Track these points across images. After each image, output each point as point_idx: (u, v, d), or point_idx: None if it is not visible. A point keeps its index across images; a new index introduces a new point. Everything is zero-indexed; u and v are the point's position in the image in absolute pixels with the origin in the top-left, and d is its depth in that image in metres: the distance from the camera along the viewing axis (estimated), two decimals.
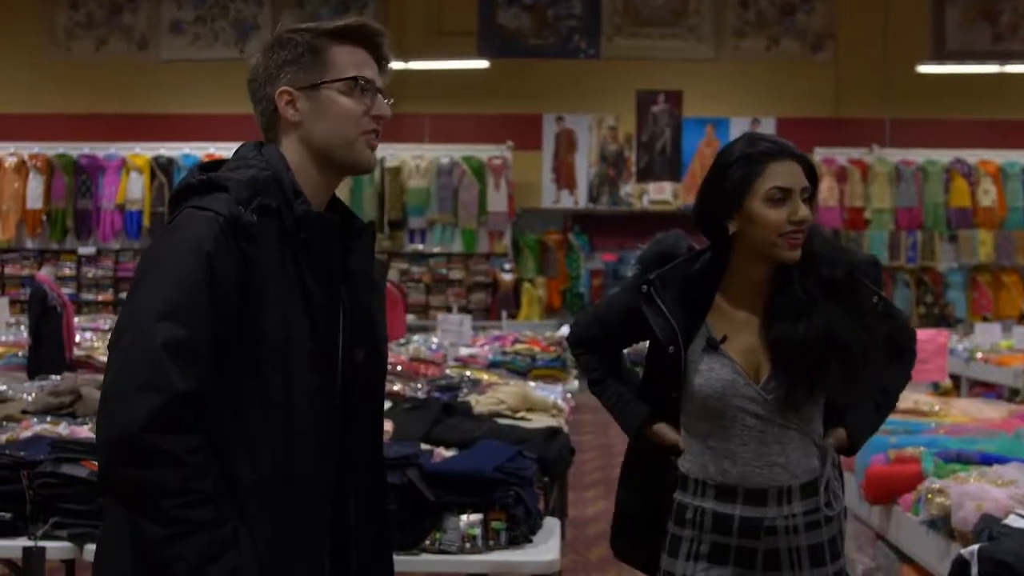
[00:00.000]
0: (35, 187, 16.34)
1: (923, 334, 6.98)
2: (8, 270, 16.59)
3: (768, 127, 16.72)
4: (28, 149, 16.41)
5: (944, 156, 16.30)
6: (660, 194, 16.97)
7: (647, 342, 3.07)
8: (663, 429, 2.99)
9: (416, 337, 9.90)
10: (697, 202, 2.92)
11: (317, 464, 2.35)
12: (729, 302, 2.91)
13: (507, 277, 16.51)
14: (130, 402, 2.19)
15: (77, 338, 11.21)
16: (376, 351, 2.49)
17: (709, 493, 2.89)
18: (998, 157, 16.32)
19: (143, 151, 16.38)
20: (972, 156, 16.33)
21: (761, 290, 2.87)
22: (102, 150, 16.50)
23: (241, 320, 2.26)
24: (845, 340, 2.77)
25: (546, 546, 3.72)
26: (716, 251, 2.92)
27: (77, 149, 16.51)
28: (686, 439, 2.95)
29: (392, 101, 2.50)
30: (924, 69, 16.25)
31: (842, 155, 16.35)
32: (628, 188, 17.18)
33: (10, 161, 16.39)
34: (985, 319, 15.15)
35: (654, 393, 3.03)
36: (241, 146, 2.45)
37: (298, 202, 2.35)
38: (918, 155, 16.34)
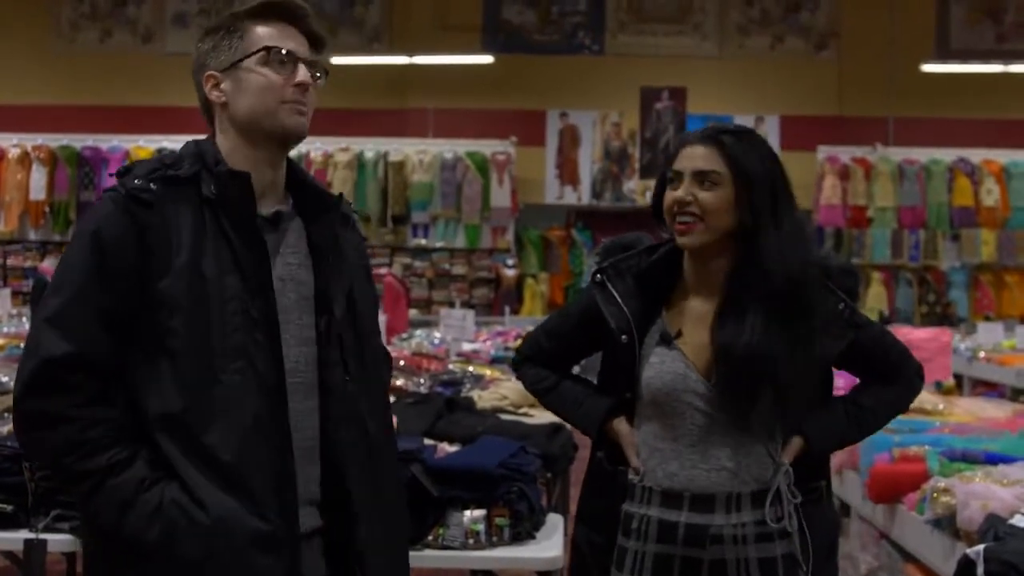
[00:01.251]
0: (38, 179, 16.32)
1: (926, 333, 7.00)
2: (11, 261, 16.55)
3: (772, 125, 16.71)
4: (32, 141, 16.39)
5: (947, 155, 16.26)
6: None
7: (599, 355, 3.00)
8: (623, 426, 2.85)
9: (419, 332, 9.90)
10: (652, 195, 2.89)
11: (255, 418, 2.32)
12: (685, 297, 2.83)
13: (510, 273, 16.49)
14: (19, 373, 2.33)
15: None
16: (333, 320, 2.47)
17: (655, 500, 2.77)
18: (1002, 156, 16.28)
19: (146, 143, 16.34)
20: (976, 155, 16.30)
21: (717, 286, 2.79)
22: (105, 142, 16.48)
23: (142, 287, 2.31)
24: (776, 356, 2.67)
25: (549, 542, 3.72)
26: (674, 245, 2.84)
27: (80, 141, 16.48)
28: (638, 444, 2.83)
29: (324, 75, 2.50)
30: (928, 68, 16.22)
31: (845, 153, 16.31)
32: (631, 185, 17.15)
33: (13, 152, 16.38)
34: (987, 318, 15.11)
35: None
36: None
37: (218, 166, 2.39)
38: (921, 154, 16.30)
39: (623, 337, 2.80)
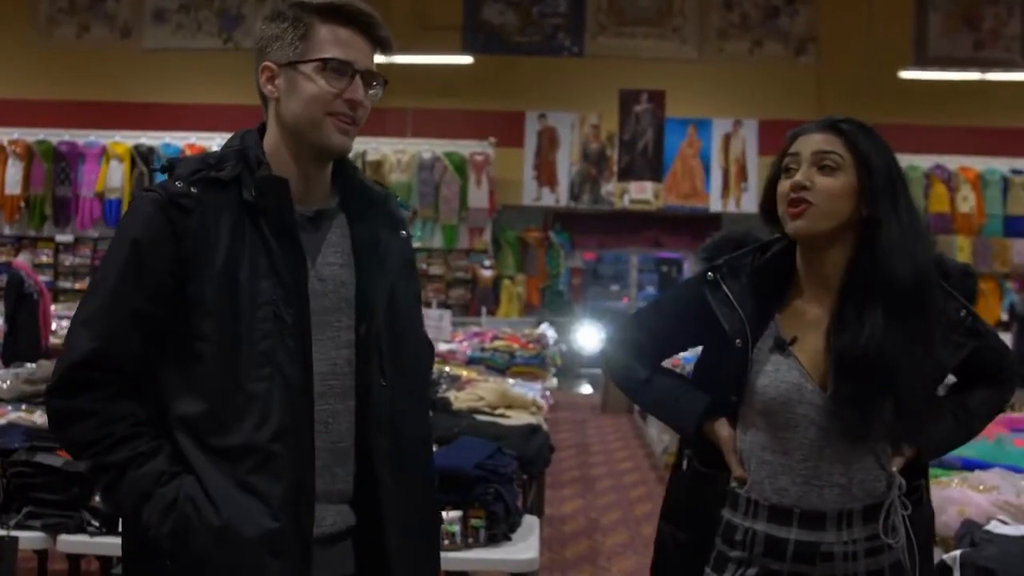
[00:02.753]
0: (14, 173, 16.23)
1: None
2: None
3: (750, 129, 16.78)
4: (7, 135, 16.29)
5: (924, 162, 16.33)
6: (641, 193, 16.97)
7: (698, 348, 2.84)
8: (724, 429, 2.65)
9: None
10: (763, 191, 2.69)
11: (280, 423, 2.30)
12: (799, 298, 2.64)
13: (487, 273, 16.48)
14: (53, 373, 2.36)
15: (53, 326, 11.16)
16: (372, 325, 2.44)
17: (762, 515, 2.60)
18: (978, 164, 16.38)
19: (123, 139, 16.28)
20: (952, 162, 16.39)
21: (833, 285, 2.59)
22: (82, 137, 16.40)
23: (177, 291, 2.30)
24: (897, 359, 2.49)
25: (525, 544, 3.71)
26: (787, 242, 2.65)
27: (57, 136, 16.40)
28: (741, 452, 2.65)
29: (381, 84, 2.46)
30: (906, 75, 16.31)
31: None
32: (609, 187, 17.17)
33: None
34: None
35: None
36: None
37: (260, 170, 2.36)
38: (899, 160, 16.34)
39: (737, 341, 2.60)
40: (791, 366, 2.58)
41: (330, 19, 2.40)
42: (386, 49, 2.48)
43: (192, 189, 2.32)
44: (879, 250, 2.51)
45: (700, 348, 2.87)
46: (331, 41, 2.39)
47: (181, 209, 2.31)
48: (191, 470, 2.29)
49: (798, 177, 2.54)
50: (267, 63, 2.42)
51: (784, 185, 2.57)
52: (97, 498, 3.71)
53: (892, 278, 2.50)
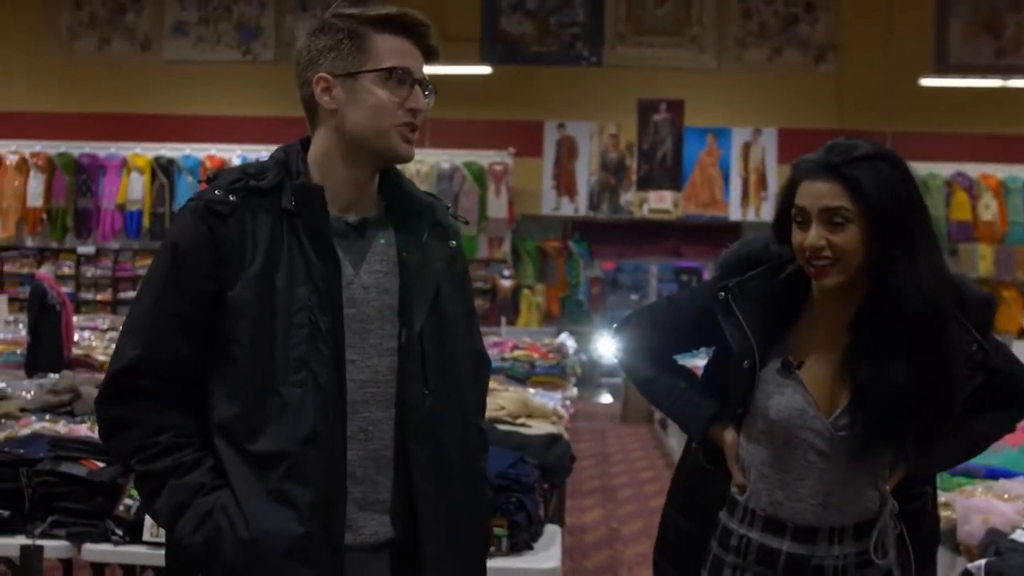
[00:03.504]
0: (36, 185, 16.32)
1: None
2: (8, 268, 16.55)
3: (770, 138, 16.76)
4: (30, 147, 16.38)
5: (946, 169, 16.29)
6: (660, 203, 16.96)
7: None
8: (730, 435, 2.70)
9: None
10: (775, 214, 2.70)
11: (311, 430, 2.32)
12: (811, 324, 2.67)
13: (506, 283, 16.49)
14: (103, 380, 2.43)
15: (75, 337, 11.20)
16: (417, 333, 2.44)
17: (757, 524, 2.66)
18: (1000, 171, 16.32)
19: (144, 151, 16.35)
20: (974, 170, 16.33)
21: (846, 318, 2.62)
22: (103, 150, 16.48)
23: (216, 297, 2.34)
24: (930, 395, 2.52)
25: (547, 553, 3.70)
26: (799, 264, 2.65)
27: (78, 148, 16.48)
28: (743, 460, 2.70)
29: (432, 91, 2.50)
30: (927, 82, 16.24)
31: None
32: (628, 196, 17.16)
33: (11, 159, 16.37)
34: None
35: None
36: None
37: (297, 178, 2.40)
38: (920, 168, 15.89)
39: (745, 363, 2.64)
40: (796, 390, 2.61)
41: (386, 29, 2.43)
42: (435, 58, 2.52)
43: (230, 197, 2.36)
44: (892, 291, 2.52)
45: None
46: (389, 51, 2.42)
47: (217, 215, 2.34)
48: (226, 477, 2.32)
49: (812, 240, 2.53)
50: (323, 74, 2.41)
51: (798, 241, 2.56)
52: (121, 507, 3.72)
53: (904, 312, 2.51)
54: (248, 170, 2.42)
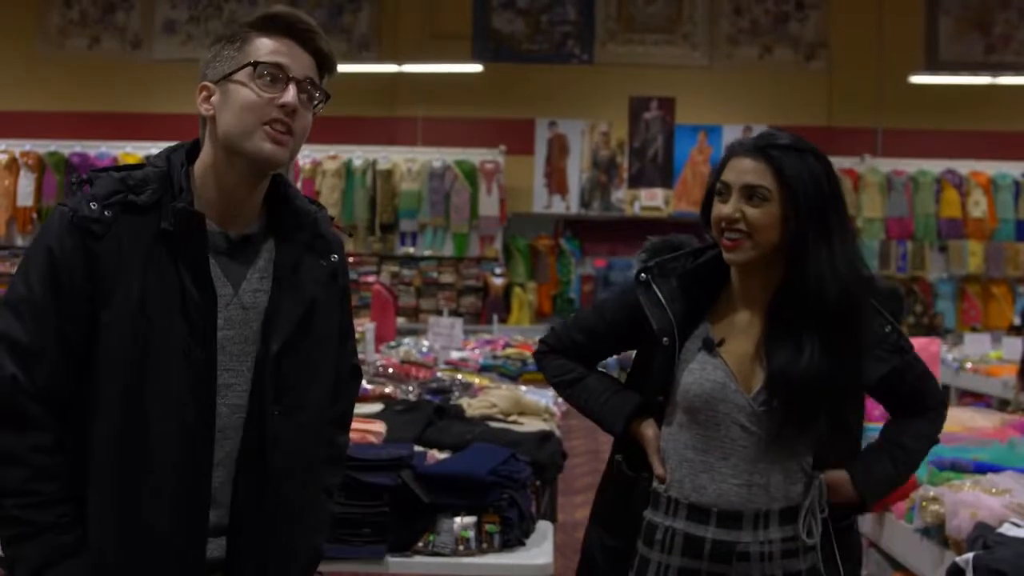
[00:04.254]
0: (26, 184, 16.29)
1: (915, 342, 6.98)
2: None
3: None
4: (19, 147, 16.34)
5: (935, 167, 16.31)
6: (652, 200, 16.97)
7: (631, 352, 2.95)
8: (649, 429, 2.78)
9: (407, 340, 9.89)
10: (703, 197, 2.80)
11: (182, 467, 2.26)
12: (730, 304, 2.76)
13: (498, 281, 16.48)
14: None
15: None
16: (274, 351, 2.37)
17: (681, 513, 2.72)
18: (989, 168, 16.34)
19: (134, 150, 16.28)
20: (963, 167, 16.35)
21: (764, 298, 2.72)
22: (93, 148, 16.44)
23: (90, 316, 2.24)
24: (832, 381, 2.61)
25: (539, 549, 3.71)
26: (719, 249, 2.76)
27: (68, 147, 16.44)
28: (664, 451, 2.77)
29: (323, 98, 2.38)
30: (917, 79, 16.28)
31: (834, 164, 16.28)
32: (620, 194, 17.17)
33: (1, 158, 16.34)
34: (974, 329, 15.16)
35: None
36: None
37: (180, 197, 2.29)
38: (909, 165, 16.35)
39: (664, 339, 2.72)
40: (717, 366, 2.70)
41: (267, 30, 2.34)
42: (328, 65, 2.40)
43: (105, 213, 2.24)
44: (808, 273, 2.61)
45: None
46: (264, 49, 2.32)
47: (90, 233, 2.24)
48: (88, 509, 2.24)
49: (728, 210, 2.64)
50: (204, 83, 2.35)
51: (716, 213, 2.68)
52: None
53: (821, 301, 2.60)
54: (128, 181, 2.29)
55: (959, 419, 6.14)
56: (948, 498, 3.96)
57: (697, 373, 2.71)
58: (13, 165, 16.32)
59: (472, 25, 17.26)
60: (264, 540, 2.39)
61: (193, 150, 2.42)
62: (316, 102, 2.39)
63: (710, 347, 2.71)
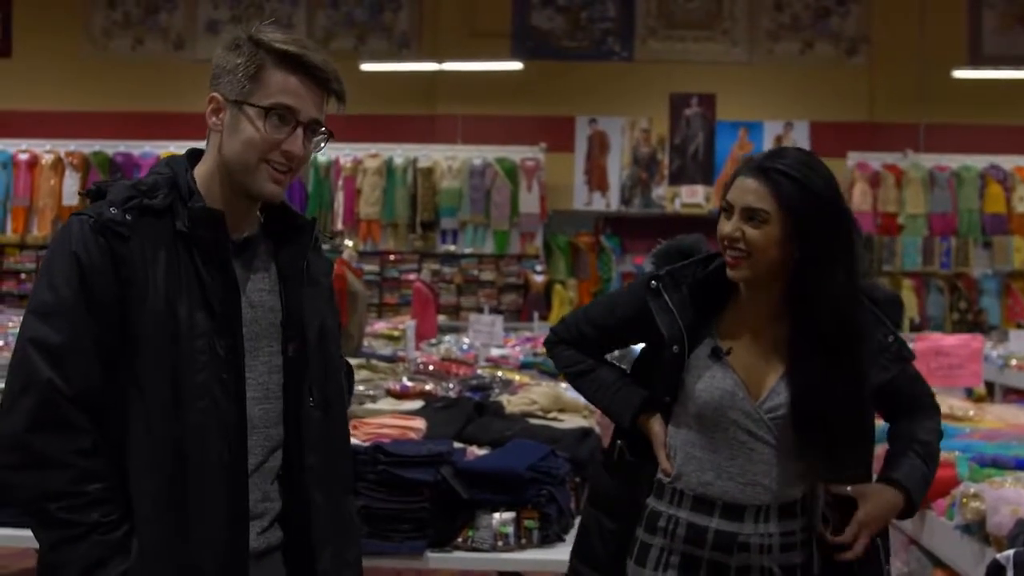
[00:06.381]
0: (71, 184, 16.46)
1: (956, 339, 6.96)
2: None
3: (802, 131, 16.67)
4: (64, 147, 16.53)
5: (979, 162, 16.18)
6: (692, 197, 16.91)
7: (638, 346, 3.01)
8: (656, 424, 2.85)
9: (447, 337, 9.93)
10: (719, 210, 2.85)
11: (220, 458, 2.32)
12: (738, 312, 2.82)
13: (538, 279, 16.49)
14: (13, 404, 2.25)
15: None
16: (305, 347, 2.46)
17: (686, 503, 2.79)
18: None
19: (177, 149, 15.92)
20: (1007, 162, 16.21)
21: (773, 307, 2.78)
22: (137, 148, 16.60)
23: (121, 319, 2.28)
24: (844, 398, 2.69)
25: None
26: None
27: (113, 147, 16.62)
28: (670, 447, 2.84)
29: (326, 136, 2.42)
30: (960, 74, 16.13)
31: (876, 160, 16.25)
32: (660, 191, 17.14)
33: (47, 158, 16.52)
34: (1019, 326, 15.01)
35: None
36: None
37: (192, 200, 2.35)
38: (953, 160, 16.23)
39: (674, 347, 2.79)
40: (727, 375, 2.77)
41: (283, 65, 2.37)
42: (340, 100, 2.44)
43: (127, 216, 2.30)
44: (808, 291, 2.69)
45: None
46: (280, 88, 2.36)
47: (117, 236, 2.29)
48: (133, 511, 2.28)
49: (728, 229, 2.71)
50: (214, 94, 2.41)
51: (720, 230, 2.74)
52: None
53: (822, 322, 2.68)
54: (140, 187, 2.36)
55: (1002, 416, 6.11)
56: (989, 495, 3.94)
57: (707, 381, 2.78)
58: (58, 165, 16.49)
59: (512, 23, 17.27)
60: (330, 529, 2.49)
61: (192, 156, 2.49)
62: (322, 137, 2.44)
63: (719, 355, 2.78)
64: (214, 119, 2.41)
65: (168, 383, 2.29)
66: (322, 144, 2.45)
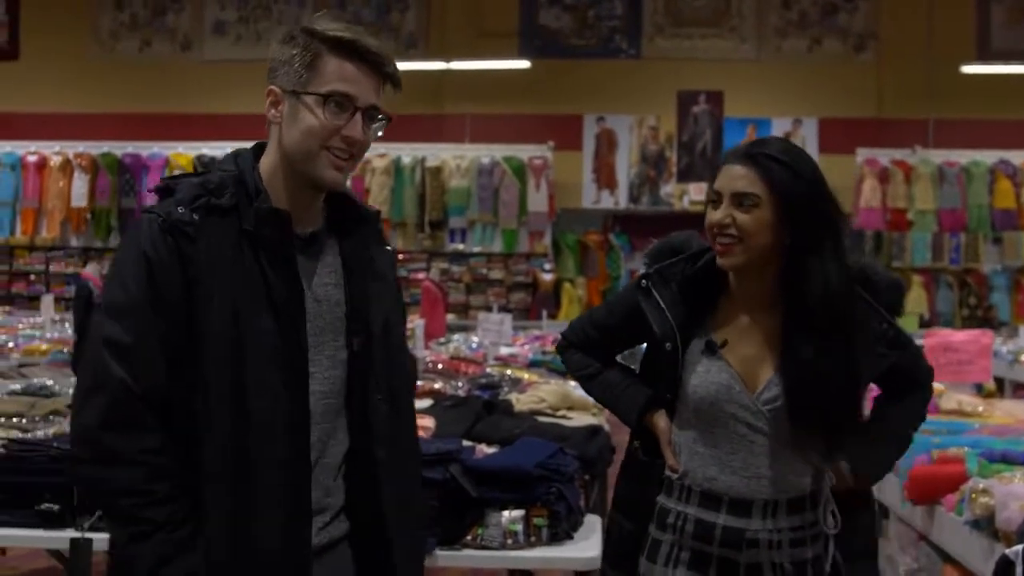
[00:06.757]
0: (80, 186, 16.52)
1: (966, 335, 6.95)
2: (53, 268, 16.77)
3: (810, 127, 16.66)
4: (73, 148, 16.58)
5: (988, 157, 16.16)
6: (701, 195, 16.89)
7: (644, 345, 3.02)
8: (661, 421, 2.85)
9: (456, 336, 9.94)
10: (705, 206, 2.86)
11: (284, 455, 2.34)
12: (731, 305, 2.82)
13: (547, 277, 16.51)
14: (86, 400, 2.31)
15: None
16: (370, 341, 2.48)
17: (693, 499, 2.78)
18: None
19: (186, 150, 16.50)
20: (1017, 157, 16.19)
21: (765, 297, 2.77)
22: (145, 149, 16.65)
23: (188, 317, 2.31)
24: (841, 381, 2.69)
25: (587, 543, 3.72)
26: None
27: (121, 148, 16.67)
28: (676, 444, 2.84)
29: (384, 120, 2.45)
30: (968, 69, 16.11)
31: (885, 156, 16.24)
32: (669, 188, 17.15)
33: (55, 160, 16.58)
34: None
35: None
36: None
37: (259, 199, 2.37)
38: (961, 156, 16.21)
39: (667, 345, 2.79)
40: (721, 368, 2.76)
41: (338, 52, 2.38)
42: (396, 85, 2.47)
43: (194, 216, 2.32)
44: (800, 276, 2.69)
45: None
46: (337, 75, 2.38)
47: (184, 235, 2.31)
48: (200, 507, 2.32)
49: (719, 216, 2.70)
50: (272, 87, 2.42)
51: (708, 219, 2.74)
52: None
53: (814, 305, 2.67)
54: (207, 185, 2.37)
55: (1011, 411, 6.10)
56: (998, 490, 3.93)
57: (702, 376, 2.78)
58: (67, 167, 16.54)
59: (519, 21, 17.29)
60: (403, 519, 2.51)
61: (257, 150, 2.50)
62: (380, 120, 2.46)
63: (713, 350, 2.78)
64: (273, 112, 2.43)
65: (232, 381, 2.31)
66: (380, 130, 2.47)
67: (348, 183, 2.54)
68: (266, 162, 2.45)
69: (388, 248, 2.63)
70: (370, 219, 2.56)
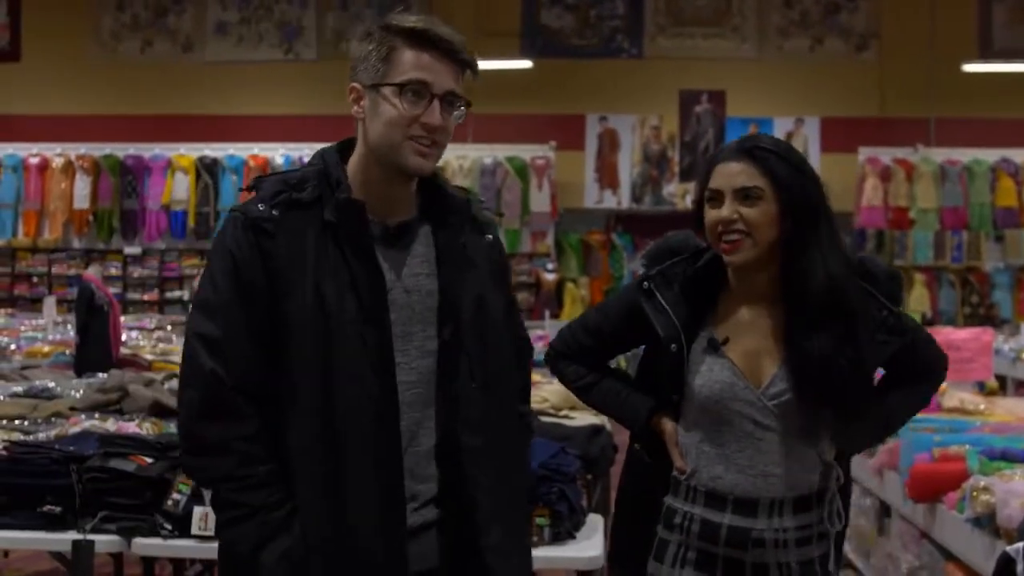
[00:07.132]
0: (82, 187, 16.52)
1: (967, 333, 6.94)
2: (55, 269, 16.78)
3: (812, 127, 16.66)
4: (75, 150, 16.59)
5: (990, 155, 16.15)
6: None
7: (640, 348, 3.00)
8: (667, 424, 2.85)
9: None
10: (692, 205, 2.86)
11: (374, 439, 2.40)
12: (731, 302, 2.81)
13: (550, 277, 16.52)
14: (184, 394, 2.44)
15: (123, 337, 11.34)
16: (460, 329, 2.51)
17: (699, 499, 2.78)
18: None
19: (188, 152, 16.50)
20: (1019, 155, 16.18)
21: (766, 292, 2.77)
22: (147, 151, 16.65)
23: (271, 309, 2.40)
24: (846, 369, 2.68)
25: (589, 542, 3.74)
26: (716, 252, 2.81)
27: (123, 150, 16.67)
28: (682, 445, 2.84)
29: (464, 106, 2.51)
30: (970, 68, 16.09)
31: (886, 155, 16.23)
32: (671, 188, 17.15)
33: (57, 162, 16.58)
34: None
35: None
36: None
37: (339, 190, 2.44)
38: (963, 154, 16.20)
39: (672, 346, 2.78)
40: (724, 366, 2.76)
41: (413, 43, 2.44)
42: (473, 71, 2.53)
43: (273, 212, 2.41)
44: (802, 267, 2.69)
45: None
46: (412, 64, 2.44)
47: (263, 232, 2.40)
48: (295, 487, 2.40)
49: (725, 213, 2.69)
50: (353, 84, 2.48)
51: (711, 218, 2.72)
52: (169, 502, 3.79)
53: (816, 293, 2.67)
54: (289, 181, 2.47)
55: (1012, 409, 6.11)
56: (999, 488, 3.94)
57: (705, 375, 2.77)
58: (69, 168, 16.56)
59: (521, 21, 17.29)
60: (497, 510, 2.53)
61: (343, 147, 2.56)
62: (459, 107, 2.52)
63: (715, 348, 2.77)
64: (356, 108, 2.49)
65: (320, 370, 2.39)
66: (462, 116, 2.53)
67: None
68: (353, 158, 2.52)
69: (488, 237, 2.64)
70: (461, 207, 2.59)
